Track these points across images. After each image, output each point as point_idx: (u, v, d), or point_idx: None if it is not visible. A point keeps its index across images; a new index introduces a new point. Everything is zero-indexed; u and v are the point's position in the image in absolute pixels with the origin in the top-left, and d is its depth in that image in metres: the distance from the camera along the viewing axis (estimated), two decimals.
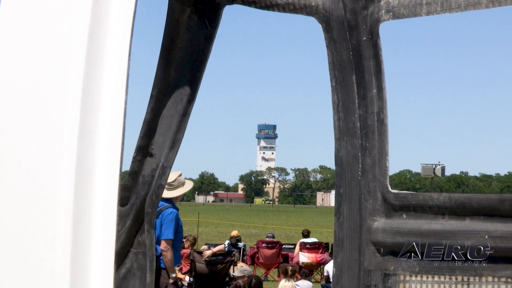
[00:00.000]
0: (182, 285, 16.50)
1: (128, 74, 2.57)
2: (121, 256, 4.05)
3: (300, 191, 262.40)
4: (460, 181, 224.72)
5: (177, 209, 9.60)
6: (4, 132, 2.67)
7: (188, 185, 9.90)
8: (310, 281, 18.71)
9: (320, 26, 3.85)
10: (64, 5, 2.63)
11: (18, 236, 2.59)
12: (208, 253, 17.85)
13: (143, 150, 4.06)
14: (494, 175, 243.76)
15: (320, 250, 22.69)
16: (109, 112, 2.56)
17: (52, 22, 2.65)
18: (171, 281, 9.35)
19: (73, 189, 2.51)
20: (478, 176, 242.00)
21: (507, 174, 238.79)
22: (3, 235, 2.61)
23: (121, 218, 4.02)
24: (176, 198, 9.64)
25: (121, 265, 4.07)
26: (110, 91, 2.57)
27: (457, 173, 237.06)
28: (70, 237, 2.51)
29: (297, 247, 22.76)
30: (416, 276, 3.55)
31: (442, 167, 57.10)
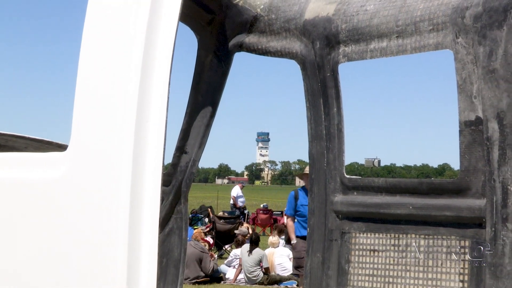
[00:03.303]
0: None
1: (168, 98, 2.53)
2: (165, 220, 4.00)
3: (285, 176, 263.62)
4: (390, 170, 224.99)
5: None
6: (85, 135, 2.62)
7: None
8: None
9: (299, 66, 3.80)
10: (123, 59, 2.58)
11: (98, 204, 2.55)
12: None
13: (180, 149, 4.02)
14: (412, 165, 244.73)
15: None
16: (156, 123, 2.52)
17: (115, 66, 2.60)
18: None
19: (130, 175, 2.46)
20: (402, 166, 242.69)
21: (421, 165, 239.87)
22: (91, 201, 2.56)
23: (165, 194, 3.98)
24: None
25: (165, 226, 4.02)
26: (156, 108, 2.52)
27: (388, 164, 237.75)
28: (128, 207, 2.46)
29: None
30: (363, 234, 3.50)
31: (378, 160, 57.03)
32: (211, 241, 16.04)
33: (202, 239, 13.87)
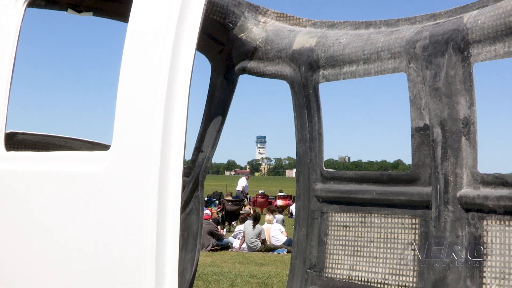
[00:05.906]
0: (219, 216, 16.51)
1: (187, 108, 2.50)
2: (186, 203, 3.98)
3: (278, 169, 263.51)
4: (358, 164, 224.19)
5: None
6: (124, 138, 2.59)
7: None
8: (282, 214, 18.65)
9: (288, 85, 3.77)
10: (151, 78, 2.54)
11: (133, 190, 2.51)
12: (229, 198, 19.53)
13: (198, 148, 4.00)
14: (374, 161, 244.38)
15: (288, 199, 22.69)
16: (178, 127, 2.49)
17: (147, 85, 2.56)
18: None
19: (158, 169, 2.44)
20: (366, 161, 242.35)
21: (381, 160, 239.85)
22: (131, 188, 2.52)
23: (186, 183, 3.96)
24: None
25: (186, 208, 3.99)
26: (178, 117, 2.50)
27: (356, 160, 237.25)
28: (157, 193, 2.43)
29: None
30: (337, 213, 3.47)
31: (348, 157, 56.94)
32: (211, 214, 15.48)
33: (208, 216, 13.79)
